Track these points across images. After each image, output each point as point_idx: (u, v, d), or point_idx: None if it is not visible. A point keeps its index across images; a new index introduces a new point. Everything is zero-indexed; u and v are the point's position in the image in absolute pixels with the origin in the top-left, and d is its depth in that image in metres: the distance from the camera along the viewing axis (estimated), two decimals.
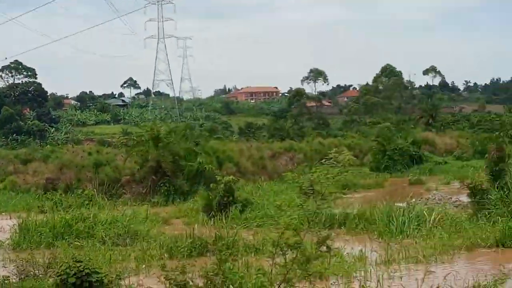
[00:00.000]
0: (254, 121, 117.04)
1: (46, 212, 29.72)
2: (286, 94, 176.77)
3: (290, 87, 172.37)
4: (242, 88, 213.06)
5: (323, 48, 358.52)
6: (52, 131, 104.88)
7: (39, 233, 24.42)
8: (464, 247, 20.69)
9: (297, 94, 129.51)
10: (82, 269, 12.96)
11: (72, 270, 12.93)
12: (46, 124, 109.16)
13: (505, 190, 25.20)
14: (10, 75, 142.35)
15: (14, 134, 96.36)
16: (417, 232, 23.16)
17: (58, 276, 13.08)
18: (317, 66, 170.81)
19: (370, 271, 17.77)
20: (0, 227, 28.42)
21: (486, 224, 22.80)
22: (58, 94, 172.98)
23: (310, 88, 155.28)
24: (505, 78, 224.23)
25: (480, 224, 22.97)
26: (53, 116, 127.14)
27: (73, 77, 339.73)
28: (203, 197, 31.92)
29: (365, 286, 13.58)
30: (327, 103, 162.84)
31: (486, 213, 23.98)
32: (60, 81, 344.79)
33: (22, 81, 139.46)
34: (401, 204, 27.40)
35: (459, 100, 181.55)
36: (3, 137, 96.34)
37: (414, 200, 29.07)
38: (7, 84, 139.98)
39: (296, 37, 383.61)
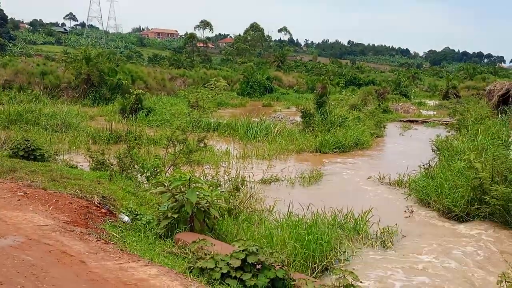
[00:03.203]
0: (159, 53, 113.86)
1: (3, 104, 28.20)
2: (183, 36, 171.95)
3: (186, 31, 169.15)
4: (152, 29, 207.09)
5: (213, 5, 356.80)
6: (10, 46, 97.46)
7: None
8: (295, 151, 21.33)
9: (191, 37, 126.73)
10: (29, 146, 12.57)
11: (22, 146, 12.53)
12: (6, 40, 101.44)
13: (325, 115, 26.01)
14: None
15: None
16: (265, 138, 23.64)
17: (11, 150, 12.60)
18: (206, 18, 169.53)
19: (232, 162, 18.11)
20: None
21: (311, 136, 23.48)
22: (16, 18, 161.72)
23: (200, 33, 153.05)
24: (331, 39, 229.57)
25: (307, 136, 23.61)
26: (12, 35, 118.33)
27: (28, 6, 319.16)
28: (119, 103, 31.17)
29: (227, 170, 13.74)
30: (211, 45, 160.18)
31: (311, 129, 24.69)
32: (18, 9, 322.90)
33: None
34: (256, 119, 27.79)
35: (300, 52, 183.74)
36: None
37: (264, 117, 29.51)
38: None
39: None
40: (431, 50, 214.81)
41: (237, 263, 6.14)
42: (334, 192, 14.74)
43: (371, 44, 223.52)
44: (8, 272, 5.16)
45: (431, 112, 43.05)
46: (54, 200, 8.27)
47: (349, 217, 10.92)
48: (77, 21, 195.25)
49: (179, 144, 13.69)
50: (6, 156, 12.27)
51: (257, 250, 6.25)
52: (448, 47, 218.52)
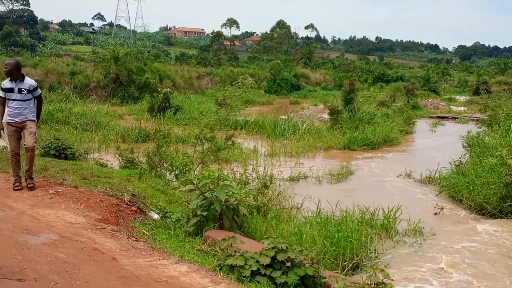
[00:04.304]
0: (187, 52, 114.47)
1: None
2: (210, 35, 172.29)
3: (213, 30, 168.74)
4: (179, 28, 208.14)
5: (239, 3, 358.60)
6: (40, 46, 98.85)
7: None
8: (323, 148, 21.22)
9: (217, 35, 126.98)
10: (60, 145, 12.76)
11: (53, 145, 12.72)
12: (36, 41, 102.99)
13: (353, 112, 25.80)
14: (10, 2, 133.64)
15: (12, 46, 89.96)
16: (293, 136, 23.56)
17: (42, 149, 12.82)
18: (233, 16, 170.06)
19: (260, 160, 18.10)
20: None
21: (339, 134, 23.33)
22: (46, 19, 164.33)
23: (226, 32, 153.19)
24: (359, 36, 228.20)
25: (335, 134, 23.47)
26: (41, 36, 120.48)
27: (58, 7, 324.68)
28: (148, 102, 31.42)
29: (255, 168, 13.75)
30: (238, 43, 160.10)
31: (339, 126, 24.53)
32: (47, 10, 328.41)
33: (19, 8, 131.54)
34: (283, 116, 27.74)
35: (327, 49, 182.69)
36: (4, 48, 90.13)
37: (292, 114, 29.45)
38: (7, 9, 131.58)
39: None
40: (461, 45, 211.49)
41: (266, 261, 6.14)
42: (363, 189, 14.62)
43: (399, 40, 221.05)
44: (42, 269, 5.25)
45: (462, 108, 42.40)
46: (85, 198, 8.39)
47: (378, 214, 10.83)
48: (105, 21, 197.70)
49: (207, 142, 13.75)
50: (38, 155, 12.46)
51: (286, 247, 6.25)
52: (478, 42, 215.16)
